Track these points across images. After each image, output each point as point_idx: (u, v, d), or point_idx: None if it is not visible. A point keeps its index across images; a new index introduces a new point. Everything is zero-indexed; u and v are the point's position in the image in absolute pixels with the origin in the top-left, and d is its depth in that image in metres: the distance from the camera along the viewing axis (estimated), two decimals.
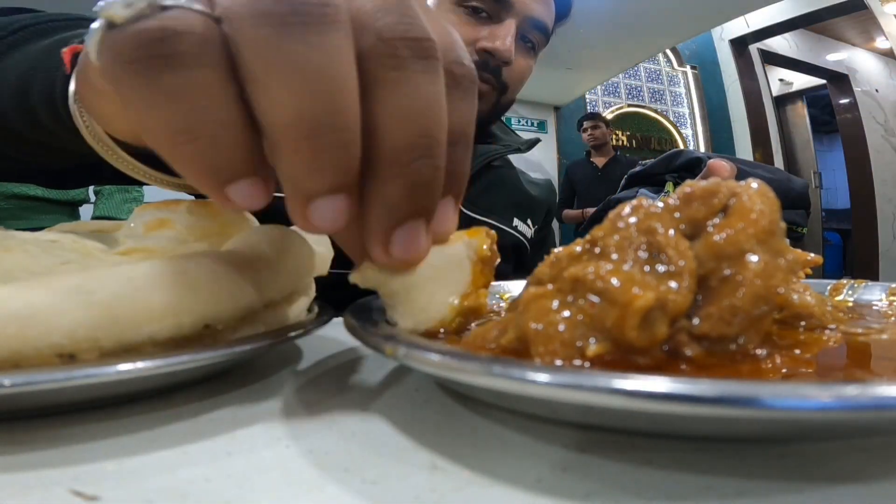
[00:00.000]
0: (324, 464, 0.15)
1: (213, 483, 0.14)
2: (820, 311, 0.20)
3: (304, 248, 0.26)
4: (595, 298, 0.16)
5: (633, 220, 0.17)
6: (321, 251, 0.29)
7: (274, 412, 0.19)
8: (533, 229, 0.68)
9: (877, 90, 3.63)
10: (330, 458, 0.16)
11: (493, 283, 0.35)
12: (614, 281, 0.15)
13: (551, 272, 0.18)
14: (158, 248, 0.24)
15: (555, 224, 0.81)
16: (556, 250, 0.19)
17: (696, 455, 0.15)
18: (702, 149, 3.98)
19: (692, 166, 1.23)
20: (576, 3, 0.69)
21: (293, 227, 0.28)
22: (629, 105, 4.04)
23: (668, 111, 4.13)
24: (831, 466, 0.15)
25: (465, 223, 0.63)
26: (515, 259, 0.66)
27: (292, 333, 0.22)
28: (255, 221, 0.29)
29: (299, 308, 0.26)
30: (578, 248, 0.18)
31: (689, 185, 0.18)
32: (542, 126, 3.76)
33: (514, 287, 0.35)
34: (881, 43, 3.57)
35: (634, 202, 0.18)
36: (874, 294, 0.29)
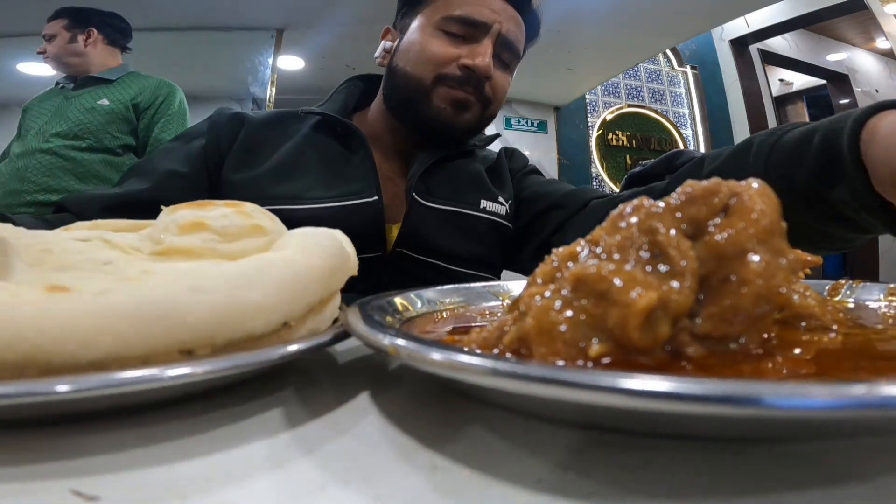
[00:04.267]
0: (324, 464, 0.15)
1: (213, 483, 0.14)
2: (821, 312, 0.19)
3: (345, 249, 0.27)
4: (597, 299, 0.15)
5: (634, 219, 0.17)
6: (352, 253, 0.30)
7: (274, 412, 0.19)
8: (508, 203, 0.70)
9: (877, 90, 3.63)
10: (330, 458, 0.16)
11: (494, 283, 0.35)
12: (617, 281, 0.15)
13: (552, 272, 0.18)
14: (196, 248, 0.24)
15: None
16: (556, 250, 0.19)
17: (696, 455, 0.15)
18: (702, 149, 3.97)
19: None
20: (576, 3, 0.74)
21: (334, 231, 0.29)
22: (629, 105, 4.04)
23: (669, 111, 4.12)
24: (831, 466, 0.15)
25: (429, 213, 0.63)
26: (498, 239, 0.68)
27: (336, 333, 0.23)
28: (281, 224, 0.29)
29: (334, 307, 0.27)
30: (579, 248, 0.18)
31: (689, 185, 0.18)
32: (542, 126, 3.75)
33: (515, 287, 0.35)
34: (881, 43, 3.57)
35: (636, 202, 0.18)
36: (872, 294, 0.29)
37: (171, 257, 0.24)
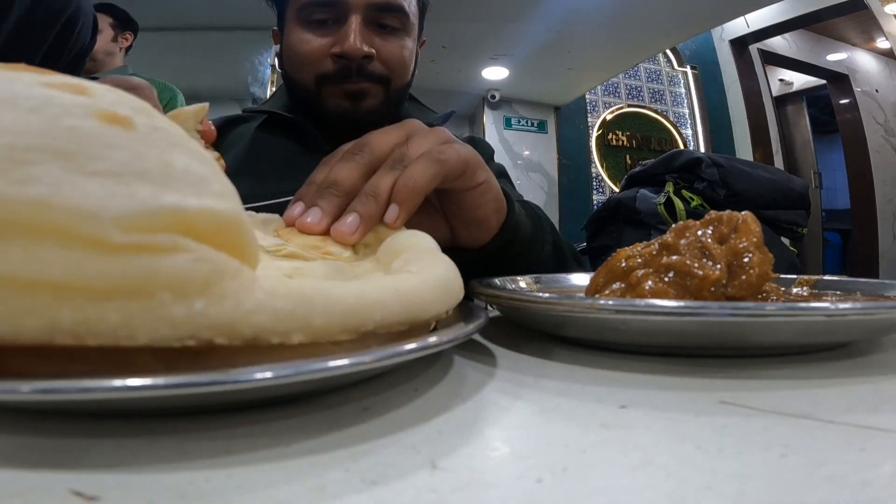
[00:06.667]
0: (324, 464, 0.15)
1: (213, 483, 0.14)
2: (775, 290, 0.30)
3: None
4: (683, 275, 0.27)
5: (688, 233, 0.29)
6: None
7: (273, 412, 0.19)
8: None
9: (877, 90, 3.63)
10: (330, 457, 0.16)
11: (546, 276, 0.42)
12: (695, 265, 0.27)
13: (643, 261, 0.29)
14: (313, 250, 0.28)
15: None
16: (623, 250, 0.30)
17: (696, 454, 0.15)
18: (702, 149, 3.97)
19: (692, 166, 1.23)
20: (576, 4, 0.72)
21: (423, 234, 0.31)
22: (629, 105, 4.04)
23: (669, 111, 4.12)
24: (831, 467, 0.15)
25: None
26: None
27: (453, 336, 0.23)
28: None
29: None
30: (654, 249, 0.29)
31: (712, 214, 0.29)
32: (542, 126, 3.75)
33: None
34: (881, 43, 3.57)
35: (689, 222, 0.29)
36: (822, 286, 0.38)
37: (295, 260, 0.27)
